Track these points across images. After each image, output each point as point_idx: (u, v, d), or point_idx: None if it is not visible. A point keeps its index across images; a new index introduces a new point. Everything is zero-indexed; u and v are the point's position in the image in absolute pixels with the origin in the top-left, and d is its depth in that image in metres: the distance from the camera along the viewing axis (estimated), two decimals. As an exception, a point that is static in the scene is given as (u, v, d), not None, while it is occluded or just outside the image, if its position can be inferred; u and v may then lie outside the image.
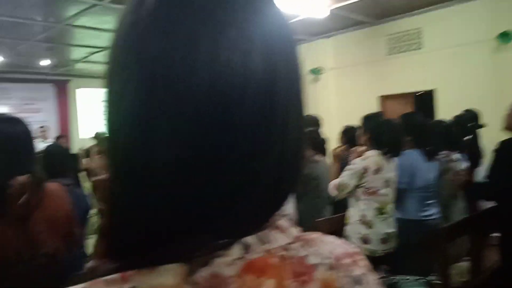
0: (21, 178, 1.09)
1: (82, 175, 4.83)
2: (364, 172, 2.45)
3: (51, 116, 9.10)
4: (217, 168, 0.35)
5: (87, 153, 6.16)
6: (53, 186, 1.82)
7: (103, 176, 1.22)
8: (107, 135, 0.40)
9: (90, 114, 9.70)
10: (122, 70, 0.37)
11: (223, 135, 0.35)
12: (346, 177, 2.49)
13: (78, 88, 9.59)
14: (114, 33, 0.40)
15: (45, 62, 7.20)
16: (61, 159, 2.24)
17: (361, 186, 2.47)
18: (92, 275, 0.36)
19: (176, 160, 0.35)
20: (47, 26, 5.56)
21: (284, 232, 0.40)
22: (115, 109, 0.38)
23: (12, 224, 1.44)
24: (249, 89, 0.35)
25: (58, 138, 7.26)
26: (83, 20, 5.37)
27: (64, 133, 8.38)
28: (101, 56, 7.52)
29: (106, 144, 0.40)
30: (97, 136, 7.01)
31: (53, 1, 4.68)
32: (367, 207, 2.46)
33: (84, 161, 6.11)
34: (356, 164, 2.51)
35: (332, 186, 2.56)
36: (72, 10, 4.99)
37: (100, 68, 7.69)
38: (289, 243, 0.40)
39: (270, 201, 0.39)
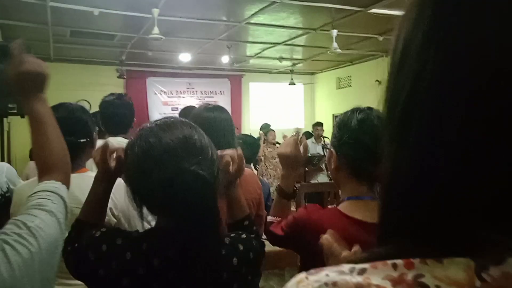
0: (230, 151, 1.24)
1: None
2: None
3: (226, 108, 9.95)
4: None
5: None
6: (246, 171, 1.99)
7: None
8: (387, 113, 0.41)
9: (260, 106, 10.37)
10: (419, 51, 0.37)
11: None
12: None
13: (250, 82, 10.32)
14: (405, 18, 0.40)
15: (224, 59, 7.92)
16: (253, 148, 2.44)
17: None
18: (368, 256, 0.36)
19: (470, 140, 0.33)
20: (229, 25, 6.09)
21: None
22: (408, 87, 0.38)
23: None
24: None
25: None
26: (260, 18, 5.73)
27: (237, 124, 9.11)
28: (273, 52, 7.94)
29: (384, 120, 0.41)
30: (263, 128, 7.57)
31: (237, 1, 5.10)
32: None
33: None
34: None
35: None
36: (252, 9, 5.36)
37: (271, 63, 8.13)
38: None
39: None
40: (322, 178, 6.73)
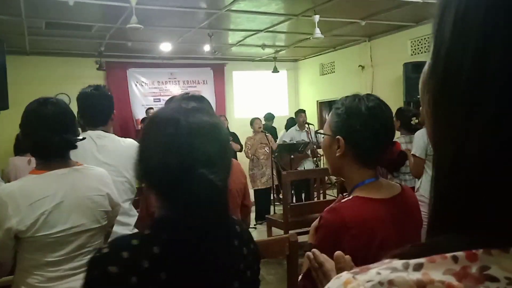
0: None
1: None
2: None
3: (210, 97, 9.86)
4: None
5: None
6: (233, 161, 1.95)
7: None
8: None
9: (244, 95, 10.30)
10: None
11: None
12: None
13: (233, 70, 10.23)
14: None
15: (206, 48, 7.80)
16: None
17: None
18: (420, 250, 0.33)
19: None
20: (210, 13, 5.98)
21: None
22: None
23: None
24: None
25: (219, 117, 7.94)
26: (241, 5, 5.64)
27: (222, 113, 9.04)
28: (255, 39, 7.86)
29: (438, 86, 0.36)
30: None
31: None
32: None
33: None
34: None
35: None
36: (233, -4, 5.26)
37: (254, 51, 8.08)
38: None
39: None
40: (308, 164, 6.74)
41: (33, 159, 1.67)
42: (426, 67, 0.40)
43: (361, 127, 1.21)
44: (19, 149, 3.68)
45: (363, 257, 0.94)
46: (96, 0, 5.11)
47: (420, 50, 7.31)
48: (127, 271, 0.84)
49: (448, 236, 0.33)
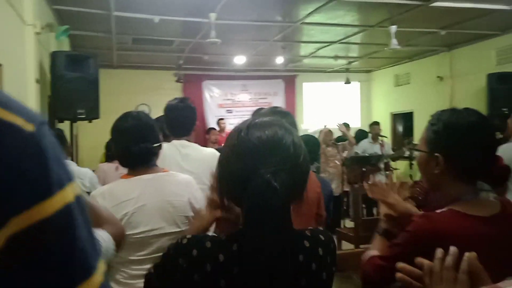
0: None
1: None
2: None
3: (281, 108, 9.95)
4: None
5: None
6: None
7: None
8: None
9: (315, 106, 10.27)
10: None
11: None
12: None
13: (304, 82, 10.24)
14: None
15: (279, 60, 7.91)
16: (312, 148, 2.43)
17: None
18: None
19: None
20: (284, 26, 6.08)
21: None
22: None
23: None
24: None
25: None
26: (315, 18, 5.67)
27: (292, 124, 9.05)
28: (327, 51, 7.83)
29: None
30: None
31: (293, 1, 5.08)
32: None
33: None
34: None
35: None
36: (308, 9, 5.31)
37: (326, 62, 8.04)
38: None
39: None
40: (379, 178, 6.54)
41: (120, 166, 1.84)
42: None
43: (461, 145, 1.16)
44: (109, 156, 3.98)
45: None
46: (179, 16, 5.43)
47: (506, 60, 6.84)
48: (192, 268, 0.93)
49: None
